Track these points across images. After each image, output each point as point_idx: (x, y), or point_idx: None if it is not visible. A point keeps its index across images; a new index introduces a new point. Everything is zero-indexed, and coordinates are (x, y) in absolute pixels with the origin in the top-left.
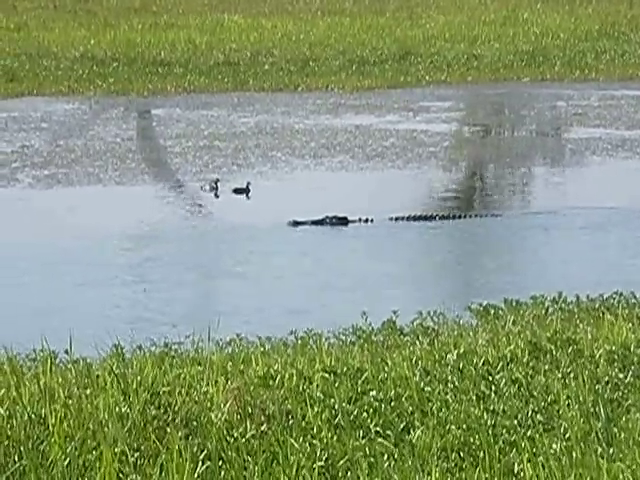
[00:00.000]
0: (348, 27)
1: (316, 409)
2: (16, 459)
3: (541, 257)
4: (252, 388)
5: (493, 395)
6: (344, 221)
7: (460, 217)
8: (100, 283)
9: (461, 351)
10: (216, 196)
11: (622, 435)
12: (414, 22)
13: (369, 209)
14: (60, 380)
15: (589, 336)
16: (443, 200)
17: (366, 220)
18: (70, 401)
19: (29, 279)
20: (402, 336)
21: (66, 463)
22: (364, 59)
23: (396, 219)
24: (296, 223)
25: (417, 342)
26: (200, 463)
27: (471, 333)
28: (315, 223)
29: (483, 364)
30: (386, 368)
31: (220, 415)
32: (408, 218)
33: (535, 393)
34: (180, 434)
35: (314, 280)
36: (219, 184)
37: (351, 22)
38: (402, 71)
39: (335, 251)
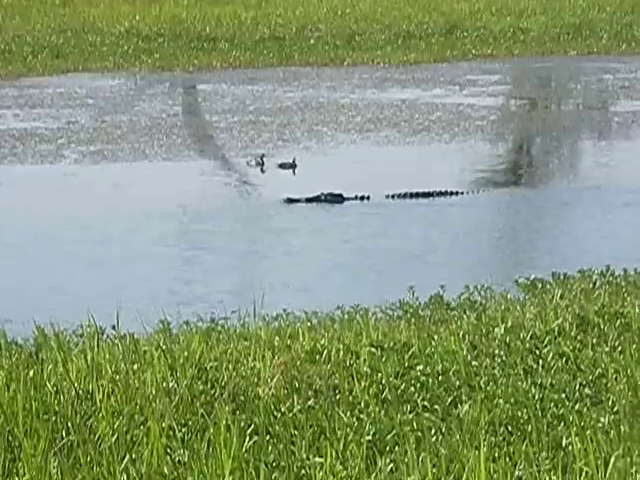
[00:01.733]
0: (394, 1)
1: (363, 384)
2: (64, 434)
3: (587, 232)
4: (299, 363)
5: (540, 369)
6: (339, 198)
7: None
8: (146, 259)
9: (508, 325)
10: (262, 171)
11: None
12: None
13: (415, 183)
14: (107, 356)
15: (637, 310)
16: (490, 173)
17: (362, 197)
18: (117, 376)
19: (75, 254)
20: (449, 310)
21: (114, 439)
22: (410, 33)
23: (399, 196)
24: (290, 200)
25: (464, 316)
26: (247, 438)
27: (518, 307)
28: (309, 200)
29: (530, 338)
30: (433, 342)
31: (267, 390)
32: (412, 195)
33: (583, 367)
34: (227, 409)
35: (359, 256)
36: (265, 159)
37: None
38: (448, 45)
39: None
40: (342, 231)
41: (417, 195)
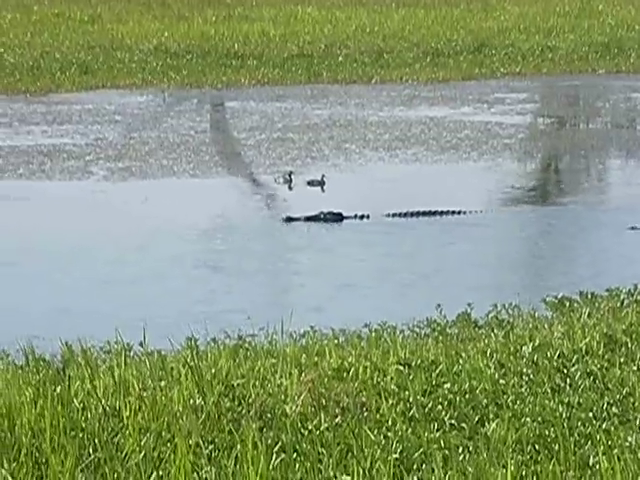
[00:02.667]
0: (422, 19)
1: (390, 401)
2: (91, 451)
3: (613, 251)
4: (326, 380)
5: (568, 388)
6: (339, 217)
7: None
8: (173, 275)
9: (536, 344)
10: (290, 188)
11: None
12: (488, 14)
13: (445, 201)
14: (134, 372)
15: None
16: (517, 192)
17: (362, 216)
18: (144, 393)
19: (103, 270)
20: (477, 329)
21: (141, 456)
22: (438, 51)
23: (399, 215)
24: (290, 219)
25: (492, 335)
26: (275, 455)
27: (546, 325)
28: (309, 219)
29: (558, 357)
30: (460, 361)
31: (294, 407)
32: (414, 214)
33: (610, 386)
34: (255, 426)
35: (389, 272)
36: (293, 176)
37: (425, 14)
38: (476, 63)
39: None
40: (358, 249)
41: (419, 214)
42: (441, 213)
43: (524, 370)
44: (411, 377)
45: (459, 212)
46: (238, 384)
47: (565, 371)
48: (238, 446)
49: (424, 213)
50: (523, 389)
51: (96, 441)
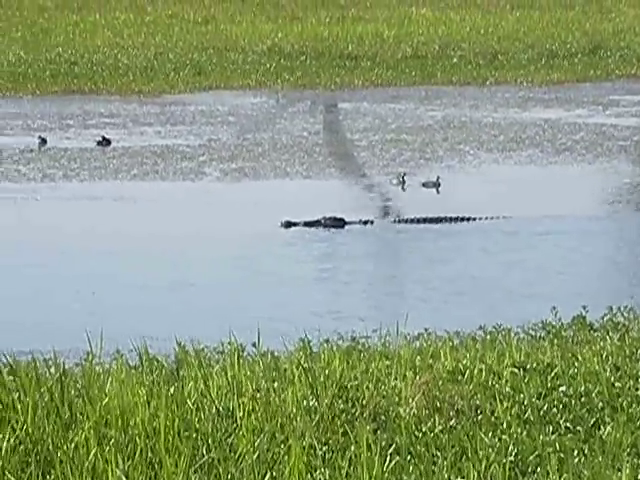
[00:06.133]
0: (537, 21)
1: (505, 404)
2: (205, 452)
3: None
4: (441, 383)
5: None
6: (340, 222)
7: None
8: (287, 277)
9: None
10: (403, 190)
11: None
12: (604, 15)
13: (558, 204)
14: (248, 373)
15: None
16: (633, 194)
17: (365, 222)
18: (258, 394)
19: (218, 272)
20: (592, 331)
21: (255, 456)
22: (553, 53)
23: (405, 221)
24: (289, 224)
25: (607, 337)
26: (389, 458)
27: None
28: (308, 224)
29: None
30: (576, 364)
31: (409, 409)
32: (420, 220)
33: None
34: (368, 428)
35: (497, 279)
36: (406, 178)
37: (540, 15)
38: (592, 65)
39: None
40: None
41: (425, 221)
42: (450, 220)
43: None
44: (526, 380)
45: (467, 219)
46: (352, 386)
47: None
48: (352, 448)
49: (432, 220)
50: (639, 392)
51: (210, 442)
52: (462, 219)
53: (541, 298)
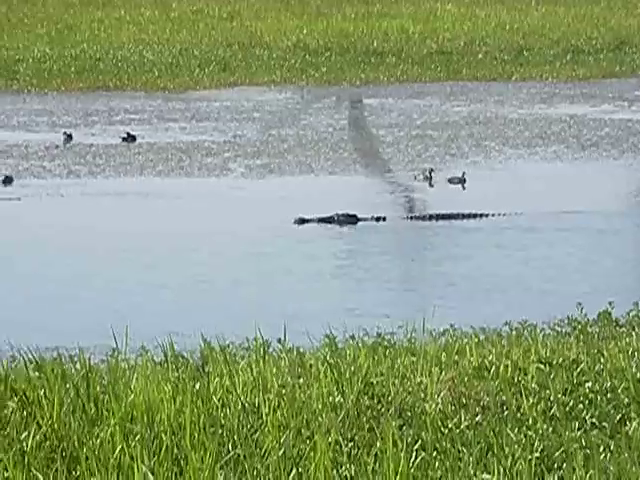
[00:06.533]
0: (562, 16)
1: (531, 400)
2: (230, 448)
3: None
4: (466, 379)
5: None
6: (353, 219)
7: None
8: (311, 273)
9: None
10: (430, 186)
11: None
12: (629, 11)
13: (583, 199)
14: (273, 369)
15: None
16: None
17: (377, 218)
18: (283, 390)
19: (241, 268)
20: (618, 327)
21: (280, 452)
22: (578, 48)
23: (417, 218)
24: (302, 221)
25: (633, 334)
26: (415, 454)
27: None
28: (322, 221)
29: None
30: (602, 360)
31: (434, 405)
32: (432, 217)
33: None
34: (394, 424)
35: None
36: (433, 173)
37: (565, 11)
38: (617, 61)
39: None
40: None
41: (437, 217)
42: (463, 216)
43: None
44: (552, 376)
45: (474, 215)
46: (377, 382)
47: None
48: (378, 444)
49: (444, 217)
50: None
51: (235, 438)
52: (474, 215)
53: (564, 295)
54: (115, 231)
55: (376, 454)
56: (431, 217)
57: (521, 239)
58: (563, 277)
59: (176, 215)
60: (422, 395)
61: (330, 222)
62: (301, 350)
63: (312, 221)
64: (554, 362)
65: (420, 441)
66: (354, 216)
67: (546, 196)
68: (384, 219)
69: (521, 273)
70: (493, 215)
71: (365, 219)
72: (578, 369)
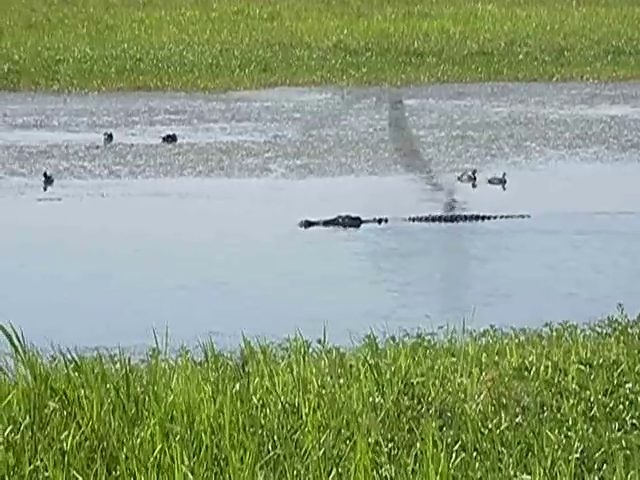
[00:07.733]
0: (603, 17)
1: (571, 401)
2: (270, 448)
3: None
4: (506, 379)
5: None
6: (357, 221)
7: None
8: (352, 275)
9: None
10: (474, 186)
11: None
12: None
13: (627, 202)
14: (313, 370)
15: None
16: None
17: (379, 221)
18: (324, 391)
19: (284, 269)
20: None
21: (320, 453)
22: (619, 49)
23: (419, 219)
24: (308, 223)
25: None
26: (455, 454)
27: None
28: (327, 223)
29: None
30: None
31: (474, 406)
32: (435, 219)
33: None
34: (434, 425)
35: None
36: (477, 174)
37: (606, 12)
38: None
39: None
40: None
41: (439, 219)
42: (463, 218)
43: None
44: (592, 377)
45: (482, 217)
46: (417, 382)
47: None
48: (418, 444)
49: (446, 219)
50: None
51: (275, 438)
52: (509, 216)
53: (603, 296)
54: (154, 232)
55: (416, 455)
56: (434, 219)
57: (558, 241)
58: (601, 279)
59: (215, 215)
60: (462, 396)
61: (335, 224)
62: (341, 350)
63: (318, 224)
64: (594, 363)
65: (460, 442)
66: (357, 218)
67: (587, 197)
68: (385, 221)
69: (559, 275)
70: (529, 216)
71: (368, 221)
72: (618, 370)
